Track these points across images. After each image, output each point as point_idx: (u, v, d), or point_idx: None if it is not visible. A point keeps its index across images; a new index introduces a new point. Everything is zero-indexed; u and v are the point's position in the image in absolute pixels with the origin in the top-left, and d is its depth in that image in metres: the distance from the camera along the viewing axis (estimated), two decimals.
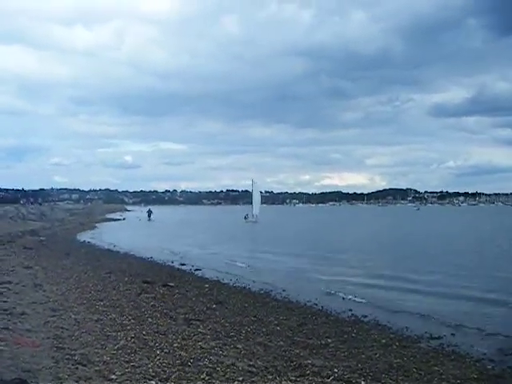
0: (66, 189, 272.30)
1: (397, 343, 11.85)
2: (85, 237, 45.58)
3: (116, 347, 8.63)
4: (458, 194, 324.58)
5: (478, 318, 15.38)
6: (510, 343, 12.49)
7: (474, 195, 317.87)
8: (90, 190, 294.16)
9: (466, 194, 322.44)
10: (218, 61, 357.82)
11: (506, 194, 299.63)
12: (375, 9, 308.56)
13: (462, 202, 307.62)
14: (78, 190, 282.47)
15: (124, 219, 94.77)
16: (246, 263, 28.14)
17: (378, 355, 10.46)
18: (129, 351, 8.45)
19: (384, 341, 11.98)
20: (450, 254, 33.60)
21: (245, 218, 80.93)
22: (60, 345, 8.37)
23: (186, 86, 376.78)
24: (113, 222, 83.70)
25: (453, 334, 13.18)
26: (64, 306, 12.25)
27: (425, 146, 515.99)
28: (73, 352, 8.00)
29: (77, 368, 7.21)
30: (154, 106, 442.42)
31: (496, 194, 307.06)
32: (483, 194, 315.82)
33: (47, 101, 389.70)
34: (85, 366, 7.39)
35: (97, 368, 7.36)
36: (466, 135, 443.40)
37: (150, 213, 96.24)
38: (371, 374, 8.86)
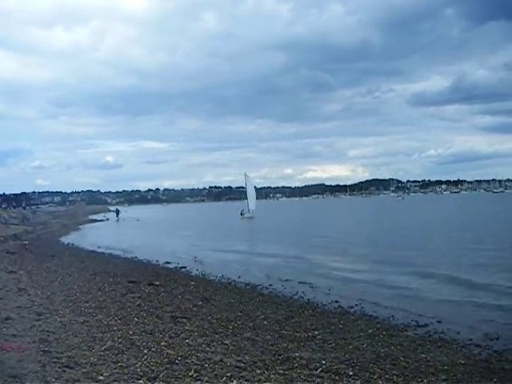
0: (48, 192, 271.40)
1: (384, 332, 11.95)
2: (68, 239, 45.38)
3: (103, 348, 8.58)
4: (440, 183, 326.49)
5: (464, 304, 15.54)
6: (496, 328, 12.59)
7: (456, 183, 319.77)
8: (73, 192, 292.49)
9: (448, 182, 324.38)
10: (198, 57, 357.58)
11: (488, 181, 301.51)
12: (352, 1, 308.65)
13: (444, 190, 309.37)
14: (60, 192, 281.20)
15: (107, 220, 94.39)
16: (236, 260, 28.17)
17: (365, 345, 10.53)
18: (116, 352, 8.41)
19: (371, 331, 12.07)
20: (436, 243, 33.81)
21: (241, 213, 79.62)
22: (46, 348, 8.31)
23: (165, 83, 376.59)
24: (96, 223, 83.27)
25: (439, 322, 13.28)
26: (49, 309, 12.17)
27: (406, 135, 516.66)
28: (59, 355, 7.95)
29: (64, 371, 7.17)
30: (134, 105, 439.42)
31: (478, 181, 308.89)
32: (465, 181, 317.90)
33: (27, 104, 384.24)
34: (72, 368, 7.34)
35: (84, 370, 7.32)
36: (446, 124, 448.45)
37: (117, 212, 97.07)
38: (359, 364, 8.92)
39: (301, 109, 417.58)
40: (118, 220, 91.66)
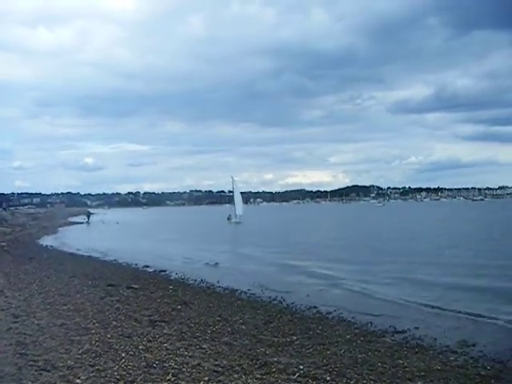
0: (27, 193, 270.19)
1: (361, 338, 12.00)
2: (47, 241, 45.02)
3: (80, 351, 8.56)
4: (420, 190, 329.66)
5: (441, 311, 15.68)
6: (472, 335, 12.72)
7: (436, 190, 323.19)
8: (52, 194, 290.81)
9: (428, 190, 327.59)
10: (183, 60, 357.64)
11: (467, 189, 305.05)
12: (337, 7, 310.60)
13: (424, 198, 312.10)
14: (40, 194, 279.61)
15: (87, 222, 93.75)
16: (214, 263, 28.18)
17: (343, 351, 10.58)
18: (93, 355, 8.39)
19: (349, 336, 12.12)
20: (416, 249, 34.08)
21: (228, 218, 78.70)
22: (23, 351, 8.28)
23: (149, 86, 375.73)
24: (75, 226, 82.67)
25: (416, 328, 13.35)
26: (27, 311, 12.10)
27: (387, 142, 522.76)
28: (36, 358, 7.92)
29: (40, 374, 7.15)
30: (117, 107, 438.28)
31: (457, 189, 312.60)
32: (445, 189, 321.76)
33: (9, 103, 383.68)
34: (49, 371, 7.32)
35: (61, 373, 7.30)
36: (427, 131, 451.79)
37: (88, 215, 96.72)
38: (336, 369, 8.96)
39: (283, 114, 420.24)
40: (89, 223, 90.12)
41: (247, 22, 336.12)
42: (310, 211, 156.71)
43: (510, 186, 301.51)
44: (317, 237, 47.54)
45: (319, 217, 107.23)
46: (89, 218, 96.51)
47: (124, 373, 7.55)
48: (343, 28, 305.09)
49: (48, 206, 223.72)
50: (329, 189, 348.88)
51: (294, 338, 11.65)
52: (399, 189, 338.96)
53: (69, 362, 7.90)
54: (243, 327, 12.53)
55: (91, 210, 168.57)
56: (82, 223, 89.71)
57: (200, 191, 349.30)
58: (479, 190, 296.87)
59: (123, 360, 8.23)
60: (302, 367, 8.87)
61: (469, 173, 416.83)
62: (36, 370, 7.29)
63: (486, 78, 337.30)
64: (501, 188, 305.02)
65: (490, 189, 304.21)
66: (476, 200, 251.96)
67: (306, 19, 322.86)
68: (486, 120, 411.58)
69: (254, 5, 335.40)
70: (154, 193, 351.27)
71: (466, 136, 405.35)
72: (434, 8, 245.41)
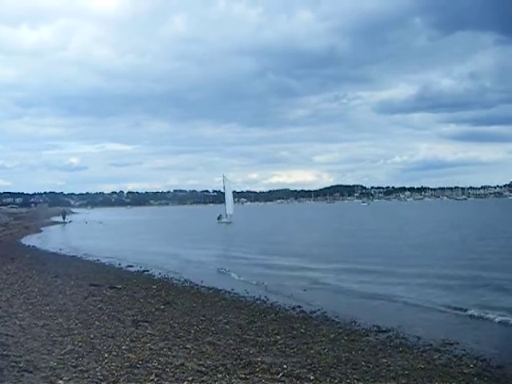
0: (9, 192, 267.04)
1: (345, 337, 12.03)
2: (30, 241, 44.77)
3: (63, 352, 8.47)
4: (404, 189, 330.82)
5: (424, 309, 15.77)
6: (455, 333, 12.81)
7: (420, 190, 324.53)
8: (35, 194, 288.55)
9: (412, 189, 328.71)
10: (166, 60, 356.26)
11: (451, 188, 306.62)
12: (322, 7, 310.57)
13: (408, 197, 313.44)
14: (22, 193, 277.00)
15: (70, 222, 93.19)
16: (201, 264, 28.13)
17: (326, 350, 10.60)
18: (76, 355, 8.32)
19: (332, 335, 12.15)
20: (401, 248, 34.26)
21: (218, 218, 76.65)
22: (4, 352, 8.18)
23: (133, 85, 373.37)
24: (58, 226, 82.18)
25: (400, 326, 13.41)
26: (8, 312, 11.97)
27: (372, 142, 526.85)
28: (18, 359, 7.83)
29: (22, 375, 7.06)
30: (100, 107, 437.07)
31: (441, 189, 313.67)
32: (429, 188, 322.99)
33: None
34: (31, 372, 7.24)
35: (43, 374, 7.22)
36: (411, 131, 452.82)
37: (64, 215, 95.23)
38: (320, 368, 8.98)
39: (268, 114, 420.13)
40: (64, 224, 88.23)
41: (232, 22, 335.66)
42: (296, 211, 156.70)
43: (492, 185, 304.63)
44: (305, 236, 47.39)
45: (306, 217, 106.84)
46: (64, 218, 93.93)
47: (107, 373, 7.49)
48: (328, 28, 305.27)
49: (31, 205, 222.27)
50: (313, 188, 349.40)
51: (278, 337, 11.65)
52: (383, 188, 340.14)
53: (51, 362, 7.82)
54: (227, 327, 12.52)
55: (74, 210, 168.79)
56: (65, 223, 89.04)
57: (184, 191, 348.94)
58: (462, 189, 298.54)
59: (106, 360, 8.17)
60: (285, 366, 8.86)
61: (452, 172, 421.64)
62: (18, 371, 7.20)
63: (469, 78, 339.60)
64: (483, 187, 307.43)
65: (473, 188, 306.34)
66: (459, 199, 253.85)
67: (291, 19, 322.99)
68: (469, 120, 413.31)
69: (238, 5, 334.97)
70: (137, 192, 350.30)
71: (450, 136, 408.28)
72: (418, 8, 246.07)
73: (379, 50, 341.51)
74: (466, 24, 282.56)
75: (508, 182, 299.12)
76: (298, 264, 27.33)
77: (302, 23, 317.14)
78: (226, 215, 75.73)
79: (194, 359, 8.91)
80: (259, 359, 9.32)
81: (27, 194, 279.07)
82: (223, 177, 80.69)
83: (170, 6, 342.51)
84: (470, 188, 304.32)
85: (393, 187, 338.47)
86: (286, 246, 38.58)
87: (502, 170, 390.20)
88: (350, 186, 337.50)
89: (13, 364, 7.55)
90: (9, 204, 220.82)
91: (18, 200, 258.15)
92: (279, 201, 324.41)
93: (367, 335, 12.55)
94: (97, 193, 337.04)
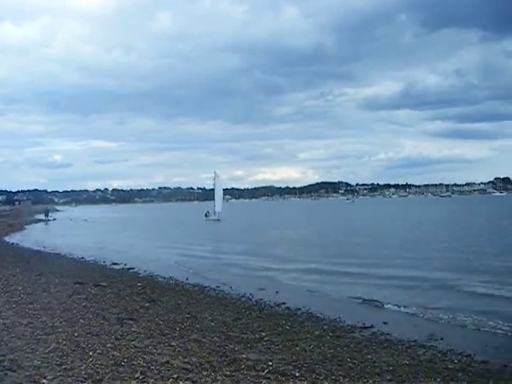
0: None
1: (330, 334, 12.10)
2: (13, 239, 44.52)
3: (47, 350, 8.42)
4: (388, 186, 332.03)
5: (409, 305, 15.84)
6: (440, 329, 12.95)
7: (405, 187, 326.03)
8: (18, 191, 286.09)
9: (396, 186, 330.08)
10: (151, 57, 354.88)
11: (435, 185, 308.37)
12: (308, 4, 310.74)
13: (392, 194, 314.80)
14: (6, 191, 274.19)
15: (54, 220, 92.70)
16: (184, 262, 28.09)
17: (312, 346, 10.63)
18: (60, 354, 8.27)
19: (317, 332, 12.21)
20: (384, 245, 34.39)
21: (205, 215, 74.99)
22: None
23: (118, 82, 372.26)
24: (42, 223, 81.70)
25: (385, 323, 13.54)
26: None
27: (357, 139, 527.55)
28: (1, 358, 7.78)
29: (6, 374, 7.02)
30: (85, 104, 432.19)
31: (426, 186, 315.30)
32: (413, 185, 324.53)
33: None
34: (14, 371, 7.19)
35: (27, 373, 7.17)
36: (396, 128, 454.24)
37: (46, 213, 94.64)
38: (305, 365, 9.00)
39: (253, 111, 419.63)
40: (47, 221, 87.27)
41: (218, 18, 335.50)
42: (281, 208, 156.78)
43: (477, 182, 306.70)
44: (292, 234, 47.20)
45: (291, 215, 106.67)
46: (47, 216, 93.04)
47: (92, 371, 7.45)
48: (314, 25, 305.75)
49: (15, 203, 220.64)
50: (298, 185, 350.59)
51: (263, 334, 11.67)
52: (368, 185, 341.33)
53: (35, 361, 7.77)
54: (212, 324, 12.51)
55: (58, 207, 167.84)
56: (48, 220, 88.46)
57: (169, 188, 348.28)
58: (447, 186, 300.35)
59: (91, 358, 8.12)
60: (271, 363, 8.87)
61: (437, 169, 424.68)
62: (1, 370, 7.15)
63: (454, 75, 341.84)
64: (468, 184, 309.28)
65: (458, 185, 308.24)
66: (444, 196, 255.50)
67: (277, 16, 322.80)
68: (453, 117, 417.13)
69: (224, 1, 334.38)
70: (122, 190, 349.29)
71: (435, 133, 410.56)
72: (403, 5, 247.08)
73: (365, 46, 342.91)
74: (451, 21, 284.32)
75: (492, 179, 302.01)
76: (279, 261, 27.43)
77: (288, 20, 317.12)
78: (215, 212, 74.32)
79: (180, 357, 8.89)
80: (244, 356, 9.32)
81: (10, 192, 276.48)
82: (214, 173, 79.36)
83: (156, 3, 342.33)
84: (455, 185, 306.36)
85: (377, 184, 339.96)
86: (273, 246, 38.48)
87: (486, 167, 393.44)
88: (334, 183, 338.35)
89: None
90: None
91: (1, 197, 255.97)
92: (264, 198, 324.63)
93: (352, 332, 12.61)
94: (81, 190, 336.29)
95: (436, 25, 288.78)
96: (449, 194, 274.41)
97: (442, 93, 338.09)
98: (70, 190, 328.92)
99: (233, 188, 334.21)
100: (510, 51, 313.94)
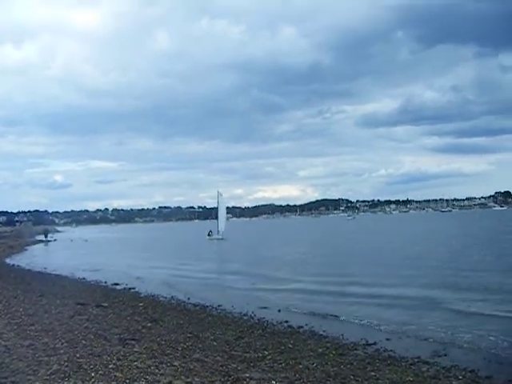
0: None
1: (333, 351, 12.00)
2: (14, 260, 44.44)
3: (49, 372, 8.40)
4: (389, 202, 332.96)
5: (411, 322, 15.78)
6: (444, 345, 12.90)
7: (405, 202, 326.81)
8: (19, 212, 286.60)
9: (397, 202, 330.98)
10: (150, 77, 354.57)
11: (436, 200, 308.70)
12: (305, 24, 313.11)
13: (393, 210, 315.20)
14: (7, 212, 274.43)
15: (55, 240, 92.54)
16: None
17: (315, 364, 10.56)
18: (62, 375, 8.25)
19: (321, 350, 12.12)
20: (388, 262, 34.28)
21: (208, 234, 73.41)
22: None
23: (117, 103, 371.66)
24: (43, 244, 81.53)
25: (388, 339, 13.47)
26: None
27: (356, 156, 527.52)
28: (3, 380, 7.76)
29: None
30: (84, 125, 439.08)
31: (426, 201, 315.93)
32: (414, 201, 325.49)
33: None
34: None
35: None
36: (395, 144, 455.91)
37: (46, 234, 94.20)
38: (309, 383, 8.97)
39: (252, 130, 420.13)
40: (47, 242, 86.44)
41: (215, 38, 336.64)
42: (283, 226, 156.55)
43: (477, 197, 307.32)
44: (295, 253, 46.59)
45: (295, 232, 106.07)
46: (46, 236, 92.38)
47: None
48: (311, 44, 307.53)
49: (15, 224, 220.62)
50: (298, 203, 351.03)
51: (266, 352, 11.60)
52: (368, 201, 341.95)
53: (37, 383, 7.75)
54: (214, 343, 12.45)
55: (59, 228, 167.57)
56: (48, 241, 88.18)
57: (169, 207, 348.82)
58: (447, 201, 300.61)
59: (93, 380, 8.10)
60: (274, 382, 8.84)
61: (437, 184, 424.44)
62: None
63: (450, 91, 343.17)
64: (468, 199, 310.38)
65: (458, 200, 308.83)
66: (444, 211, 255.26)
67: (275, 36, 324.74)
68: (451, 132, 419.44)
69: (222, 21, 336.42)
70: (122, 210, 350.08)
71: (433, 148, 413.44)
72: (399, 22, 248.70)
73: (362, 64, 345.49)
74: (447, 37, 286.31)
75: (492, 193, 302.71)
76: (287, 280, 27.33)
77: (286, 39, 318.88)
78: (218, 231, 72.84)
79: (182, 377, 8.85)
80: (247, 375, 9.27)
81: (11, 213, 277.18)
82: (218, 192, 78.20)
83: (154, 23, 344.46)
84: (455, 200, 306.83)
85: (378, 200, 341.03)
86: (276, 265, 38.36)
87: (485, 181, 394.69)
88: (335, 200, 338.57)
89: None
90: None
91: (1, 218, 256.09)
92: (265, 216, 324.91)
93: (355, 349, 12.52)
94: (81, 210, 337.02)
95: (432, 41, 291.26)
96: (449, 208, 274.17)
97: (438, 108, 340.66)
98: (70, 210, 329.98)
99: (233, 206, 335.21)
100: (505, 66, 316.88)
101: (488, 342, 13.21)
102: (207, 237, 73.33)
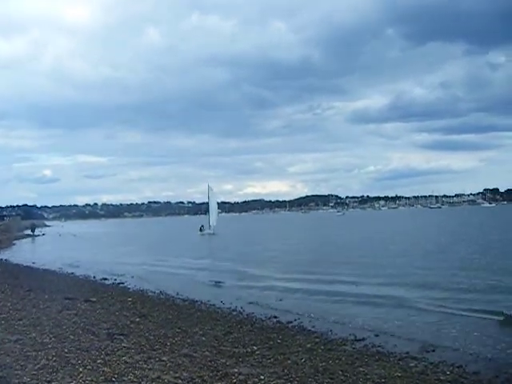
0: None
1: (322, 347, 12.03)
2: (2, 255, 44.15)
3: (36, 367, 8.37)
4: (378, 198, 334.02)
5: (400, 318, 15.86)
6: (432, 341, 12.94)
7: (394, 199, 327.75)
8: (7, 207, 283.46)
9: (386, 198, 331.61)
10: (140, 71, 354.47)
11: (425, 197, 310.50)
12: (295, 19, 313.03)
13: (382, 206, 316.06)
14: None
15: (43, 235, 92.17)
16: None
17: (303, 360, 10.57)
18: (50, 370, 8.22)
19: (309, 345, 12.14)
20: (376, 257, 34.38)
21: (200, 229, 73.41)
22: None
23: (106, 97, 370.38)
24: (31, 239, 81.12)
25: (376, 335, 13.51)
26: None
27: (346, 152, 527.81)
28: None
29: None
30: (73, 119, 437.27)
31: (415, 197, 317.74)
32: (403, 197, 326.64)
33: None
34: None
35: None
36: (385, 141, 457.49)
37: (33, 228, 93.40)
38: (297, 378, 8.96)
39: (242, 125, 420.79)
40: (34, 237, 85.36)
41: (206, 32, 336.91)
42: (272, 221, 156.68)
43: (466, 193, 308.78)
44: (286, 248, 46.65)
45: (286, 227, 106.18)
46: (33, 231, 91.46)
47: None
48: (302, 39, 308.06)
49: (3, 218, 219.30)
50: (288, 199, 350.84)
51: (255, 348, 11.61)
52: (358, 198, 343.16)
53: (24, 378, 7.72)
54: (203, 338, 12.45)
55: (48, 223, 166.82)
56: (38, 235, 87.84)
57: (158, 202, 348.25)
58: (436, 197, 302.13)
59: (81, 375, 8.07)
60: (262, 377, 8.83)
61: (425, 181, 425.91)
62: None
63: (439, 88, 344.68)
64: (457, 196, 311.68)
65: (447, 196, 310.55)
66: (433, 207, 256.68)
67: (265, 31, 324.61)
68: (440, 129, 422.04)
69: (213, 16, 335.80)
70: (111, 204, 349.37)
71: (422, 145, 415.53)
72: (389, 19, 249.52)
73: (352, 60, 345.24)
74: (437, 35, 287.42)
75: (480, 190, 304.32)
76: (274, 275, 27.34)
77: (276, 34, 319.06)
78: (209, 226, 72.82)
79: (171, 372, 8.84)
80: (236, 370, 9.27)
81: None
82: (208, 186, 78.35)
83: (144, 17, 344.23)
84: (444, 196, 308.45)
85: (367, 196, 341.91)
86: (266, 260, 38.35)
87: (474, 178, 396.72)
88: (324, 196, 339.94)
89: None
90: None
91: None
92: (254, 211, 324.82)
93: (344, 344, 12.56)
94: (70, 205, 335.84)
95: (422, 38, 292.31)
96: (439, 205, 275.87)
97: (428, 105, 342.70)
98: (59, 205, 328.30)
99: (223, 202, 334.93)
100: (494, 64, 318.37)
101: (475, 339, 13.28)
102: (199, 232, 73.09)
